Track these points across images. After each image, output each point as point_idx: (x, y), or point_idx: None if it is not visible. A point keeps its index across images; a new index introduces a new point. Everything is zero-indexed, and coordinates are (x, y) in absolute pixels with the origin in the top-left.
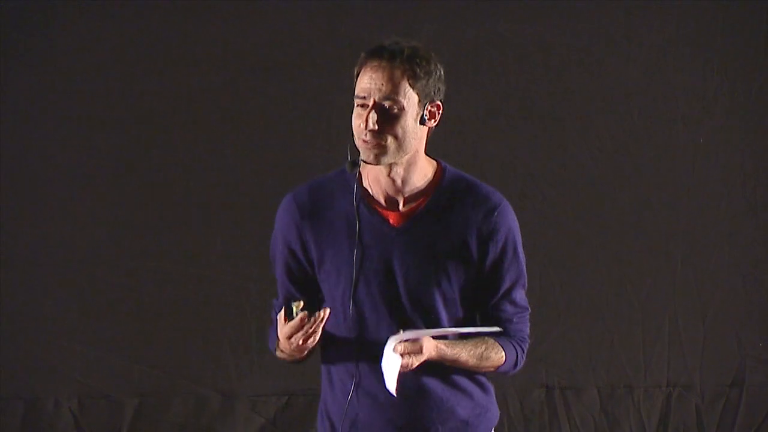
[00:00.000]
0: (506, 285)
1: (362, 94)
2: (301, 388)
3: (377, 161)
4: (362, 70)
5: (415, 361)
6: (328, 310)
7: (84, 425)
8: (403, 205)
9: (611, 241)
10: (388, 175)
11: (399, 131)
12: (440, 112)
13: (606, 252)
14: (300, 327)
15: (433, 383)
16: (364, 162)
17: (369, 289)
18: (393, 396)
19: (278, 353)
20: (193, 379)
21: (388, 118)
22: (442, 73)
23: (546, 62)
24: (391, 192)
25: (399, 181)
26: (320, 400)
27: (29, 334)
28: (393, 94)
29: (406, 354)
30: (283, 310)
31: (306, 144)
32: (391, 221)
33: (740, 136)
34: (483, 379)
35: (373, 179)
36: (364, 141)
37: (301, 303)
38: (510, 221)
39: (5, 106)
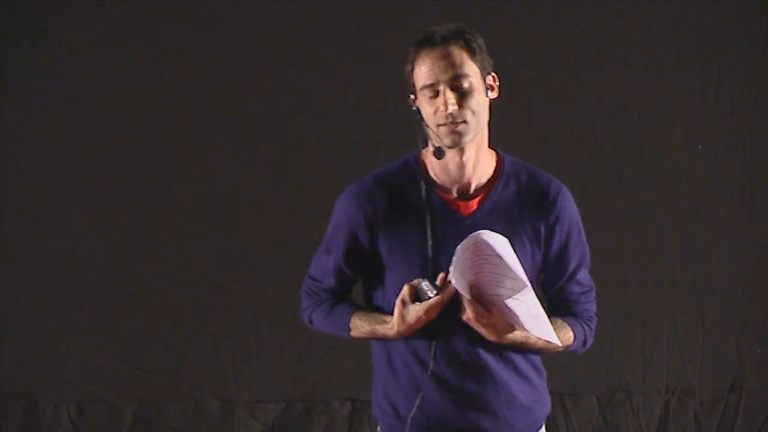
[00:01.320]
0: (572, 266)
1: (429, 82)
2: (299, 394)
3: (460, 142)
4: (418, 61)
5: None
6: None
7: (83, 430)
8: (473, 193)
9: (610, 246)
10: (461, 159)
11: (475, 106)
12: (497, 83)
13: (604, 257)
14: (442, 300)
15: (498, 368)
16: (449, 147)
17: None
18: (557, 344)
19: (356, 334)
20: (192, 384)
21: (462, 95)
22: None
23: (543, 64)
24: (460, 180)
25: (470, 167)
26: (376, 385)
27: (28, 338)
28: (460, 71)
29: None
30: (406, 291)
31: (305, 148)
32: (461, 209)
33: (741, 139)
34: (539, 364)
35: (441, 169)
36: (445, 125)
37: (442, 274)
38: (572, 204)
39: (4, 108)
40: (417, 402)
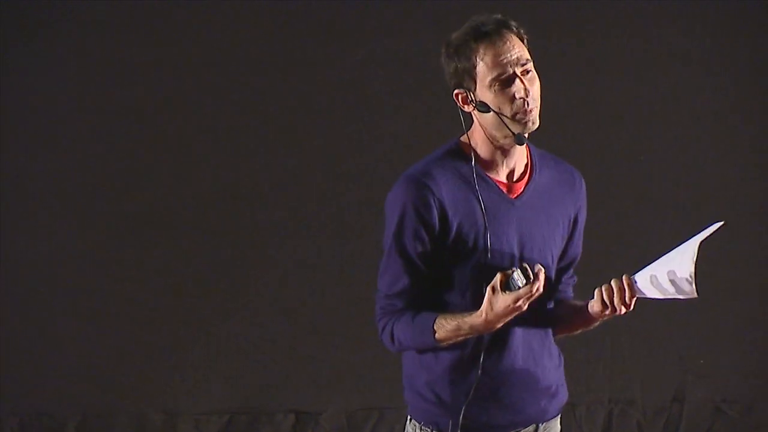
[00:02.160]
0: (579, 252)
1: (500, 71)
2: (243, 407)
3: (532, 127)
4: (480, 54)
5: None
6: (542, 268)
7: None
8: (517, 178)
9: None
10: (510, 145)
11: (538, 91)
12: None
13: None
14: (532, 290)
15: (542, 353)
16: (523, 133)
17: (501, 257)
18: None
19: (441, 335)
20: (136, 397)
21: (531, 81)
22: None
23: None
24: (508, 164)
25: (514, 152)
26: (413, 375)
27: None
28: (525, 56)
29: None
30: (498, 280)
31: (246, 158)
32: (510, 192)
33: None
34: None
35: (487, 152)
36: (524, 112)
37: (528, 266)
38: (586, 192)
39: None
40: (473, 385)
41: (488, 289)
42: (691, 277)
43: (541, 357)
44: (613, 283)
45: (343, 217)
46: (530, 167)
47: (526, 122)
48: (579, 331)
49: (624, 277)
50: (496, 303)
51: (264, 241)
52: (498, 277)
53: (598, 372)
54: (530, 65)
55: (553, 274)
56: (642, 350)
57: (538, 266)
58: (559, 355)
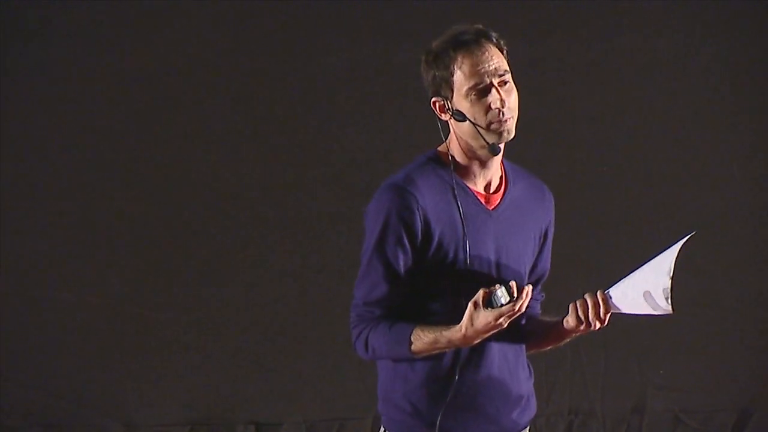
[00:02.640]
0: (548, 268)
1: (477, 80)
2: (203, 418)
3: (508, 137)
4: (458, 63)
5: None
6: (530, 287)
7: None
8: (493, 189)
9: None
10: (487, 156)
11: (515, 102)
12: None
13: None
14: (514, 308)
15: (517, 365)
16: (497, 144)
17: (480, 267)
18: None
19: (418, 347)
20: (95, 408)
21: (507, 92)
22: None
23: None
24: (484, 176)
25: (491, 163)
26: (388, 385)
27: None
28: (503, 67)
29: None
30: (480, 298)
31: (200, 173)
32: (487, 205)
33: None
34: None
35: (464, 162)
36: (498, 122)
37: (513, 284)
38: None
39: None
40: (449, 394)
41: (470, 304)
42: (666, 293)
43: (516, 368)
44: (587, 297)
45: (305, 230)
46: (505, 179)
47: (501, 132)
48: (549, 347)
49: (599, 292)
50: (477, 319)
51: (223, 254)
52: (480, 293)
53: (558, 383)
54: (508, 76)
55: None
56: (602, 361)
57: (528, 287)
58: (530, 367)
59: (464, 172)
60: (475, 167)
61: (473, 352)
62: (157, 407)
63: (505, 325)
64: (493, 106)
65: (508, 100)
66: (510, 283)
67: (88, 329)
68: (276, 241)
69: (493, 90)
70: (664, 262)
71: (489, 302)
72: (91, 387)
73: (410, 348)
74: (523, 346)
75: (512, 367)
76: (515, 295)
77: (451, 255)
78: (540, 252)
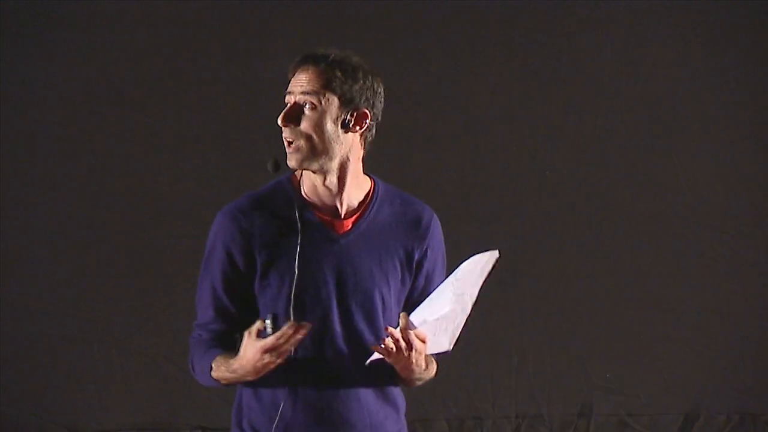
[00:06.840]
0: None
1: (286, 96)
2: (149, 423)
3: (299, 165)
4: (292, 74)
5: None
6: (309, 325)
7: None
8: (344, 215)
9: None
10: (323, 184)
11: (314, 131)
12: (368, 121)
13: None
14: (277, 342)
15: (368, 394)
16: (288, 166)
17: (315, 295)
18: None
19: (216, 375)
20: (39, 414)
21: (302, 116)
22: (377, 88)
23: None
24: (329, 201)
25: (335, 191)
26: (237, 411)
27: None
28: (310, 92)
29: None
30: (254, 329)
31: (134, 171)
32: (336, 228)
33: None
34: (402, 396)
35: (310, 189)
36: (286, 142)
37: (276, 316)
38: (440, 234)
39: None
40: (274, 424)
41: (245, 334)
42: (455, 334)
43: (368, 401)
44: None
45: None
46: (367, 204)
47: (287, 155)
48: (417, 383)
49: (402, 315)
50: (246, 350)
51: (169, 256)
52: (257, 323)
53: (504, 387)
54: (307, 99)
55: (392, 316)
56: (548, 365)
57: (270, 317)
58: (401, 400)
59: (312, 196)
60: (322, 191)
61: (316, 384)
62: (102, 412)
63: (278, 361)
64: (279, 123)
65: (295, 124)
66: (274, 315)
67: (29, 333)
68: None
69: (286, 108)
70: (467, 299)
71: (263, 333)
72: (36, 392)
73: (212, 374)
74: (389, 381)
75: (365, 401)
76: (279, 328)
77: (277, 284)
78: (415, 281)
